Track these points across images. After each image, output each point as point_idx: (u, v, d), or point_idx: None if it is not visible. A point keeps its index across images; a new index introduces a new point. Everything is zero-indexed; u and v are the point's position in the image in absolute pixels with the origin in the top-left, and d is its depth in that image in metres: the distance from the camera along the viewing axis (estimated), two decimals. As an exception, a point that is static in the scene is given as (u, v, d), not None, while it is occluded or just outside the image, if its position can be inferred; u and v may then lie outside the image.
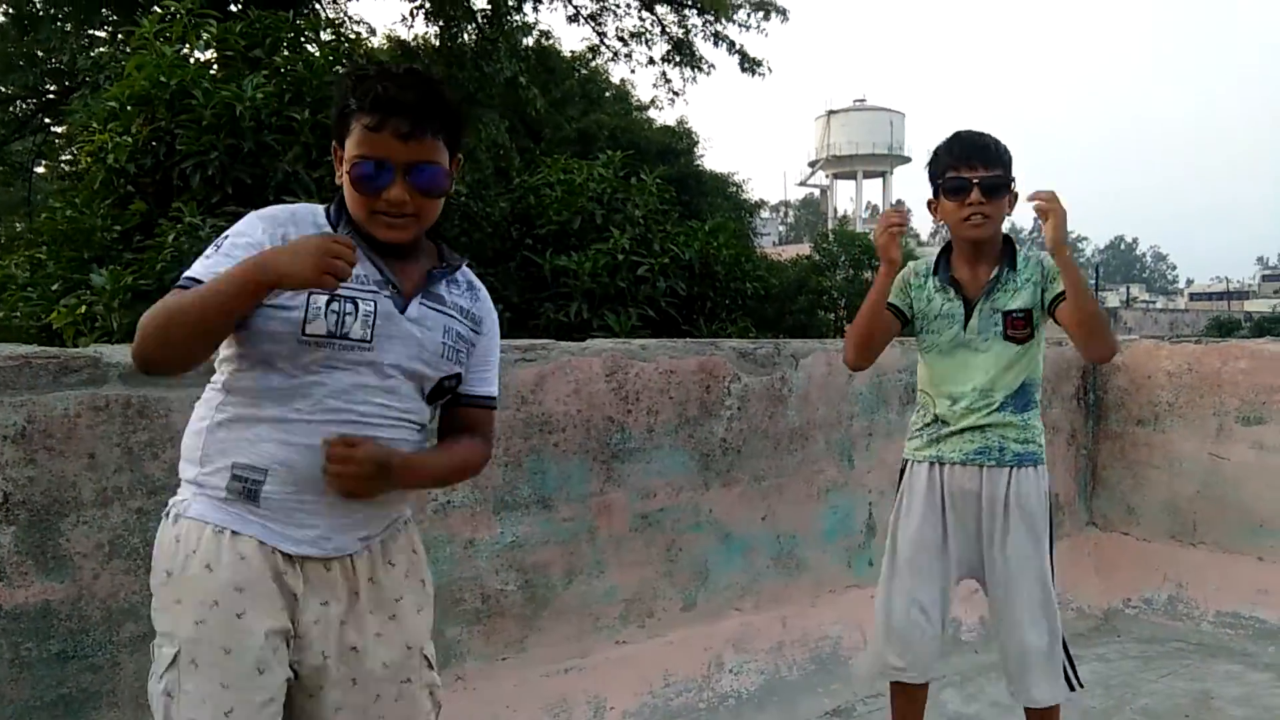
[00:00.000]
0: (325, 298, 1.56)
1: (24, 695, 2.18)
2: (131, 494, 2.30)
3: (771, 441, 3.55)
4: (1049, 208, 2.26)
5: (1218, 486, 4.26)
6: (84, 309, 5.27)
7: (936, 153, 2.51)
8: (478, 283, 1.83)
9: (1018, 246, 2.53)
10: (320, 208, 1.71)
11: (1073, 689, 2.54)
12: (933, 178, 2.51)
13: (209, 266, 1.58)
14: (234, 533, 1.57)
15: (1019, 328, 2.45)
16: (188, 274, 1.60)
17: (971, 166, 2.40)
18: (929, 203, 2.55)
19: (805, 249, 20.46)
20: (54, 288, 6.02)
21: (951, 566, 2.53)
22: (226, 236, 1.63)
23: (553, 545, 3.01)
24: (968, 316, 2.49)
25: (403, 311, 1.63)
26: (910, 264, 2.66)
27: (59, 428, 2.22)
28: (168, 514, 1.66)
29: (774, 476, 3.55)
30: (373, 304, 1.59)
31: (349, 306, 1.57)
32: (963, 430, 2.49)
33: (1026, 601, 2.46)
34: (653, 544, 3.23)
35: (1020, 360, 2.47)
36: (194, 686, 1.54)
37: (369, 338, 1.59)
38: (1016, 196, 2.49)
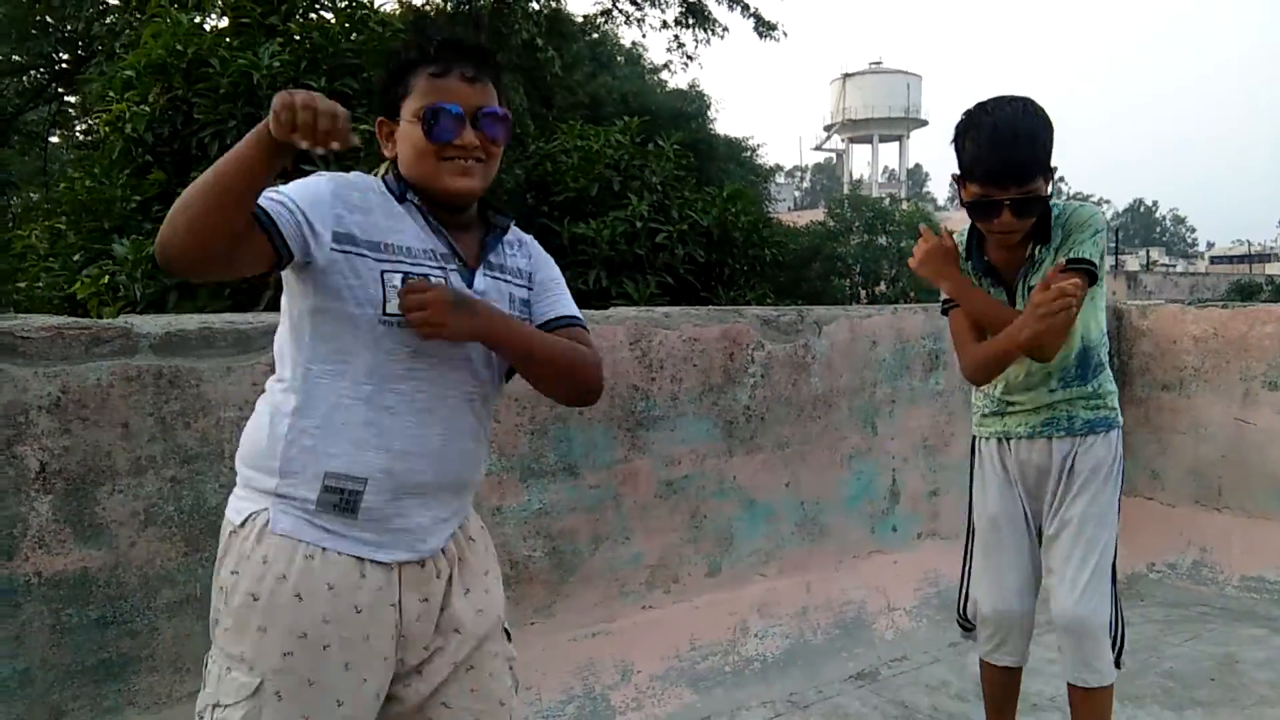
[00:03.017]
0: (400, 276, 1.49)
1: (65, 660, 2.22)
2: (165, 463, 2.32)
3: (795, 409, 3.55)
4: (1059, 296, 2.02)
5: (1243, 451, 4.24)
6: (106, 279, 5.29)
7: (962, 142, 2.20)
8: (525, 237, 1.78)
9: (1053, 209, 2.28)
10: (374, 180, 1.63)
11: (1119, 667, 2.42)
12: (958, 176, 2.24)
13: (287, 191, 1.49)
14: (323, 552, 1.50)
15: None
16: (277, 193, 1.49)
17: (1003, 186, 2.13)
18: (954, 178, 2.28)
19: (820, 214, 20.36)
20: (75, 258, 6.04)
21: (1035, 539, 2.44)
22: (299, 183, 1.54)
23: (579, 512, 3.02)
24: (1012, 300, 2.33)
25: (470, 285, 1.59)
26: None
27: (92, 398, 2.24)
28: (243, 523, 1.54)
29: (797, 443, 3.56)
30: (444, 280, 1.54)
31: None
32: (1030, 410, 2.38)
33: (1077, 573, 2.32)
34: (677, 511, 3.25)
35: (1075, 329, 2.28)
36: (276, 714, 1.50)
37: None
38: (1052, 176, 2.22)
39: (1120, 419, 2.43)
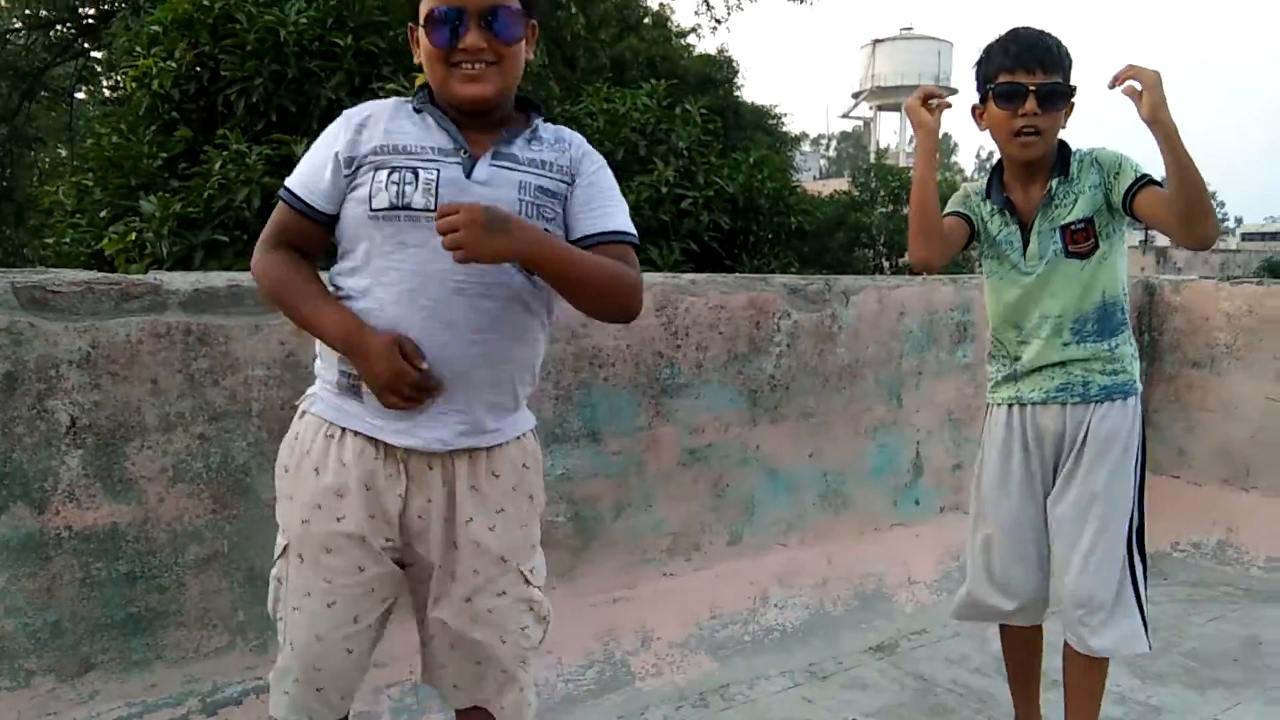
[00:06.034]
0: (387, 170, 1.56)
1: (95, 613, 2.24)
2: (194, 420, 2.33)
3: (820, 379, 3.52)
4: (1137, 75, 1.96)
5: (1273, 430, 4.18)
6: (134, 235, 5.31)
7: (988, 51, 2.22)
8: (569, 134, 1.72)
9: (1072, 150, 2.27)
10: (398, 98, 1.70)
11: (1149, 648, 2.35)
12: (981, 79, 2.24)
13: (301, 177, 1.66)
14: (342, 432, 1.63)
15: (1080, 241, 2.21)
16: (287, 183, 1.68)
17: (1029, 70, 2.13)
18: (974, 108, 2.29)
19: (845, 184, 20.15)
20: (102, 214, 6.07)
21: (1043, 507, 2.36)
22: (315, 141, 1.70)
23: (602, 478, 3.02)
24: (1025, 241, 2.27)
25: (469, 176, 1.58)
26: (965, 184, 2.47)
27: (122, 353, 2.25)
28: (298, 406, 1.74)
29: (822, 414, 3.54)
30: (434, 171, 1.56)
31: (408, 176, 1.56)
32: (1041, 368, 2.30)
33: (1091, 543, 2.26)
34: (700, 479, 3.24)
35: (1094, 278, 2.24)
36: (299, 578, 1.67)
37: (432, 206, 1.53)
38: (1073, 108, 2.23)
39: (1139, 386, 2.33)
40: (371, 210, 1.56)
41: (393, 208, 1.55)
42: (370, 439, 1.61)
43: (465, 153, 1.59)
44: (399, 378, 1.53)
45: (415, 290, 1.57)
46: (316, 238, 1.68)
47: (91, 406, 2.22)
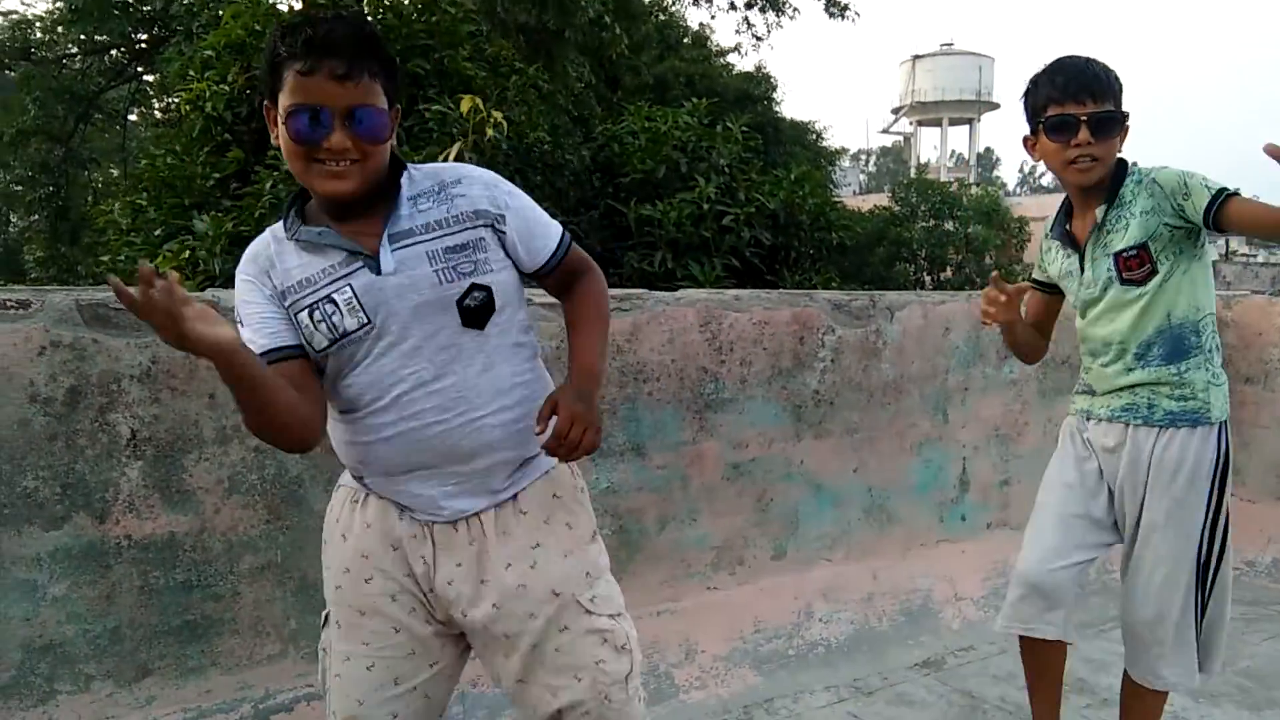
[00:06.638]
0: (306, 312, 1.54)
1: (152, 620, 2.30)
2: (249, 433, 2.38)
3: (865, 394, 3.51)
4: None
5: (1330, 448, 4.10)
6: (187, 253, 5.44)
7: (1035, 82, 2.21)
8: (448, 173, 1.63)
9: (1129, 171, 2.21)
10: (276, 225, 1.63)
11: (1206, 674, 2.30)
12: (1031, 112, 2.23)
13: (254, 335, 1.56)
14: (366, 497, 1.65)
15: (1134, 268, 2.17)
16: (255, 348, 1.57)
17: (1079, 101, 2.12)
18: (1025, 139, 2.27)
19: (885, 199, 20.03)
20: (156, 233, 6.23)
21: (1097, 524, 2.32)
22: (236, 308, 1.60)
23: (646, 492, 3.04)
24: (1080, 267, 2.27)
25: (379, 272, 1.53)
26: (1045, 224, 2.46)
27: (181, 368, 2.31)
28: (339, 484, 1.76)
29: (866, 429, 3.52)
30: (348, 288, 1.53)
31: (329, 306, 1.53)
32: (1109, 390, 2.29)
33: (1148, 575, 2.24)
34: (744, 493, 3.24)
35: (1154, 304, 2.18)
36: (340, 645, 1.66)
37: (367, 319, 1.53)
38: (1128, 131, 2.19)
39: (1220, 415, 2.22)
40: (317, 352, 1.55)
41: (333, 342, 1.54)
42: (393, 501, 1.62)
43: (362, 254, 1.54)
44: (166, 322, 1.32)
45: (382, 398, 1.56)
46: (306, 371, 1.57)
47: (151, 420, 2.28)
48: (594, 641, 1.64)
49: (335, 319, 1.53)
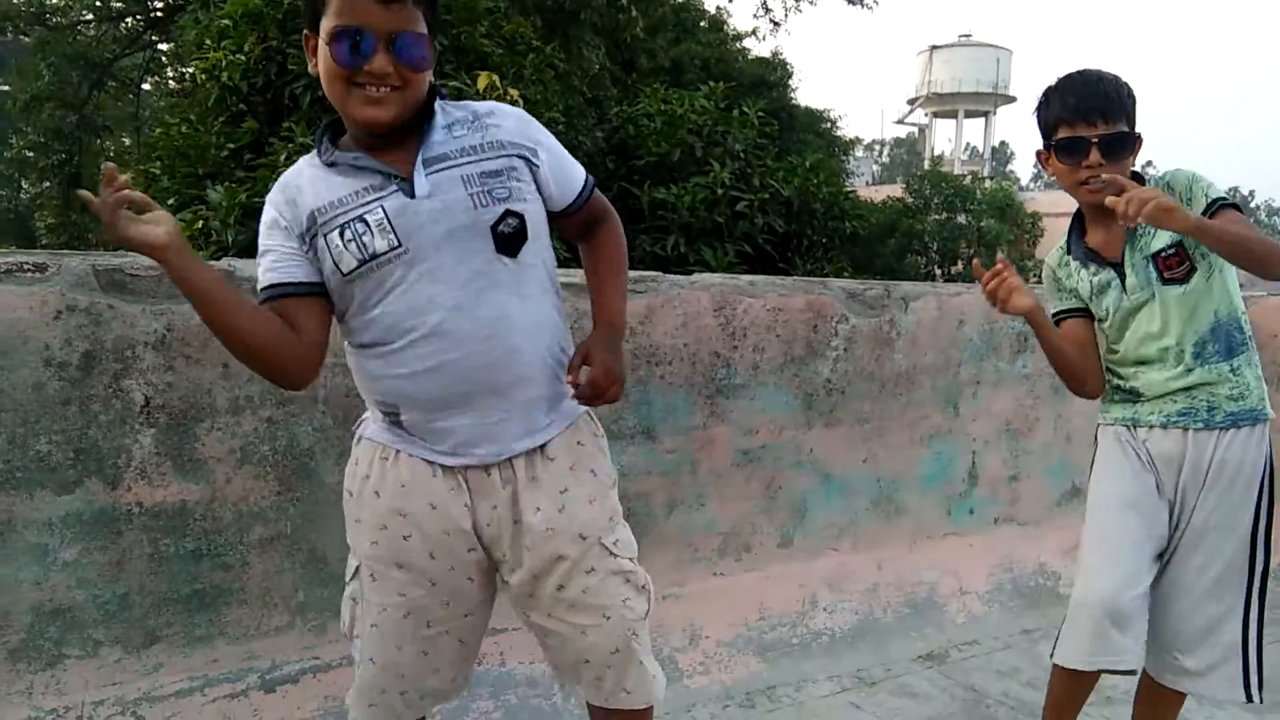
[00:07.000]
0: (336, 232, 1.53)
1: (162, 588, 2.30)
2: (262, 403, 2.38)
3: (876, 384, 3.50)
4: (1138, 214, 1.87)
5: (1342, 453, 4.07)
6: (200, 224, 5.44)
7: (1047, 98, 2.17)
8: (481, 106, 1.66)
9: (1144, 179, 2.17)
10: (310, 154, 1.64)
11: (1250, 700, 2.19)
12: (1043, 129, 2.19)
13: (263, 271, 1.60)
14: (396, 454, 1.64)
15: (1174, 266, 2.13)
16: (263, 284, 1.61)
17: (1090, 122, 2.08)
18: (1039, 153, 2.24)
19: (899, 190, 19.95)
20: (169, 202, 6.22)
21: (1159, 542, 2.21)
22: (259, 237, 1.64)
23: (655, 475, 3.03)
24: (1123, 277, 2.18)
25: (412, 196, 1.53)
26: (1046, 260, 2.39)
27: (195, 337, 2.30)
28: (354, 432, 1.76)
29: (877, 419, 3.51)
30: (379, 209, 1.53)
31: (359, 226, 1.53)
32: (1163, 395, 2.18)
33: (1194, 578, 2.16)
34: (753, 480, 3.24)
35: (1201, 300, 2.13)
36: (375, 596, 1.69)
37: (398, 242, 1.52)
38: (1141, 143, 2.16)
39: (1268, 413, 2.18)
40: (345, 275, 1.54)
41: (362, 263, 1.53)
42: (424, 459, 1.63)
43: (397, 177, 1.54)
44: (111, 221, 1.38)
45: (413, 328, 1.56)
46: (320, 311, 1.60)
47: (165, 387, 2.28)
48: (618, 581, 1.70)
49: (365, 239, 1.52)
